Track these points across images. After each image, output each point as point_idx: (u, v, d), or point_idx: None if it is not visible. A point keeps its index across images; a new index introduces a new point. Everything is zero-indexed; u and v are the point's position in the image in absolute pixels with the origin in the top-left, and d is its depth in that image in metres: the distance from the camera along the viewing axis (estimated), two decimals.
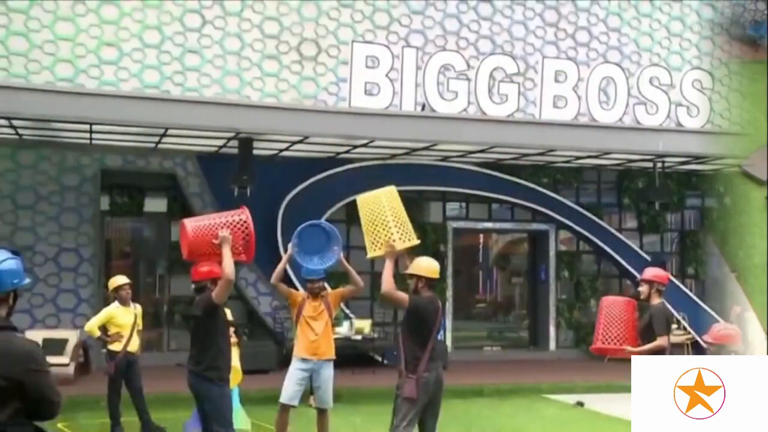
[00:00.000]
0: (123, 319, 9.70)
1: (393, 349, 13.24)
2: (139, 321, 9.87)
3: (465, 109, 14.75)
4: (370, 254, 7.11)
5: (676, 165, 16.67)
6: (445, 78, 14.93)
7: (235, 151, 13.79)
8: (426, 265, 6.99)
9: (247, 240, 6.98)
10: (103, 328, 9.73)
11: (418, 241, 7.19)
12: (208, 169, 15.64)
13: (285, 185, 15.55)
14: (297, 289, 10.64)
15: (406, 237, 6.97)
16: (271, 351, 14.56)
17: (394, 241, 6.88)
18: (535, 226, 18.16)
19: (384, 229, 6.93)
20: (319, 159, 15.70)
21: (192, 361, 7.06)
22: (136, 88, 14.98)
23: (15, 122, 12.79)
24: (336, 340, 9.09)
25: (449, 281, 17.16)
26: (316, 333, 8.49)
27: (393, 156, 15.86)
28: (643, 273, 8.42)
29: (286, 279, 9.17)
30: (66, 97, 12.39)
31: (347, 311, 15.10)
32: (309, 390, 8.92)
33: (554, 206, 17.50)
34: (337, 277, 11.91)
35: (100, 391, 9.99)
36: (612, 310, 7.90)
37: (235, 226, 6.93)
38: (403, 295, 6.92)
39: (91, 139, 13.96)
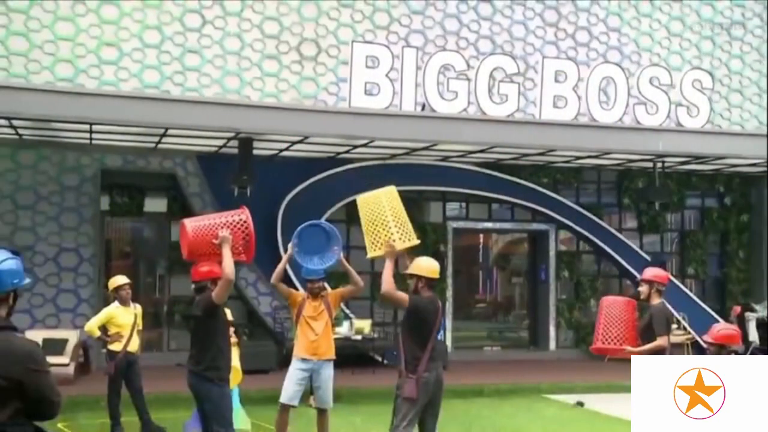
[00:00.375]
0: (123, 319, 9.70)
1: (393, 349, 13.23)
2: (139, 321, 9.87)
3: (465, 109, 14.73)
4: (370, 254, 7.11)
5: (676, 165, 16.67)
6: (445, 78, 14.91)
7: (235, 151, 13.78)
8: (426, 265, 6.99)
9: (247, 240, 6.99)
10: (103, 328, 9.74)
11: (418, 241, 7.19)
12: (208, 169, 15.65)
13: (285, 185, 15.56)
14: (297, 289, 10.64)
15: (406, 237, 6.97)
16: (271, 351, 14.56)
17: (394, 241, 6.89)
18: (535, 226, 18.16)
19: (384, 229, 6.93)
20: (319, 159, 15.70)
21: (192, 361, 7.07)
22: (136, 88, 14.99)
23: (15, 122, 12.78)
24: (336, 340, 9.09)
25: (449, 281, 17.15)
26: (316, 333, 8.49)
27: (393, 156, 15.86)
28: (643, 273, 8.42)
29: (286, 279, 9.17)
30: (66, 97, 12.37)
31: (347, 311, 15.10)
32: (309, 390, 8.92)
33: (554, 206, 17.51)
34: (337, 277, 11.92)
35: (100, 391, 10.00)
36: (612, 310, 7.90)
37: (235, 226, 6.93)
38: (403, 295, 6.92)
39: (91, 139, 13.96)
